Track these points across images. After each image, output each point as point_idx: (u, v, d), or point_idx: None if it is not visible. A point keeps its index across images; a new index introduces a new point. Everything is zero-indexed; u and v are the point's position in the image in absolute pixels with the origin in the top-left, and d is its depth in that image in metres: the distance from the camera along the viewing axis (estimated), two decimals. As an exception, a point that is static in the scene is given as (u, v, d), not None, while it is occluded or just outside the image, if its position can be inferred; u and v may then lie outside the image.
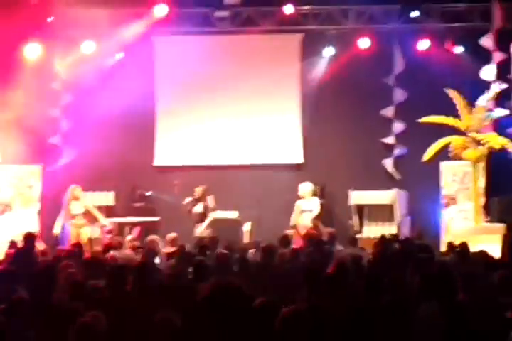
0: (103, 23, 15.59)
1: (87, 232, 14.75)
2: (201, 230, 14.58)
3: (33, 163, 16.03)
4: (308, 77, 16.65)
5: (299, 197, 15.13)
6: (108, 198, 16.23)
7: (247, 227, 14.99)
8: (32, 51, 15.96)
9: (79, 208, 14.84)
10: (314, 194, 15.25)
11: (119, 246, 11.83)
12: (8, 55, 15.82)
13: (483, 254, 9.43)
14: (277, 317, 5.27)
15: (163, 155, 17.00)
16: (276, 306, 5.58)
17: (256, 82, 16.71)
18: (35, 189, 15.96)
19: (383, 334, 5.78)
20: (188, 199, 14.97)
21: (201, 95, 16.78)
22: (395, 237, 12.67)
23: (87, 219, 14.86)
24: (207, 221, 14.93)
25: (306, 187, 15.15)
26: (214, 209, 15.06)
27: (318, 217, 14.89)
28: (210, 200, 14.98)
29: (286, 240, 11.69)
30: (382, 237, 12.14)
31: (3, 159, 15.75)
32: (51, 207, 15.58)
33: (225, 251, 10.20)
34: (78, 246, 11.36)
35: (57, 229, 14.63)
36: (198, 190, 14.94)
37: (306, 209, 15.02)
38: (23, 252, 10.91)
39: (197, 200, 14.91)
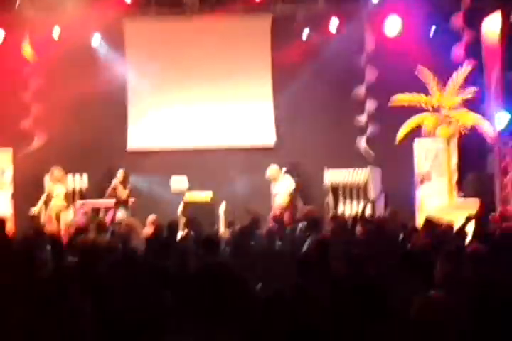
0: (71, 6, 15.49)
1: (67, 215, 14.73)
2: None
3: (4, 147, 15.92)
4: (279, 59, 16.61)
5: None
6: (81, 181, 16.12)
7: (222, 208, 14.96)
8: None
9: (60, 190, 14.82)
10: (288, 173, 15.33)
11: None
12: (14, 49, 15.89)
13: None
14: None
15: (136, 139, 16.92)
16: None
17: (227, 64, 16.70)
18: (7, 173, 15.85)
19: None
20: (115, 181, 15.16)
21: (172, 78, 16.78)
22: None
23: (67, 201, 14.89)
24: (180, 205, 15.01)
25: (271, 170, 15.18)
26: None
27: (294, 193, 14.99)
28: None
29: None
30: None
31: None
32: (23, 191, 15.54)
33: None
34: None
35: (36, 209, 14.65)
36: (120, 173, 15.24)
37: (276, 192, 15.12)
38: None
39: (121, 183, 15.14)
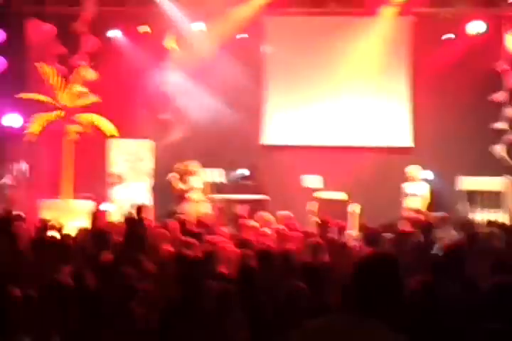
0: (215, 3, 15.86)
1: (205, 208, 14.68)
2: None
3: (145, 138, 16.45)
4: (418, 60, 16.57)
5: (406, 180, 15.21)
6: (217, 175, 16.36)
7: (356, 209, 15.03)
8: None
9: (197, 183, 15.09)
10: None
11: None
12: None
13: None
14: None
15: (271, 134, 17.22)
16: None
17: (366, 64, 16.69)
18: (147, 163, 16.38)
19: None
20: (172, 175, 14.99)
21: (311, 76, 16.91)
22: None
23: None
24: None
25: (414, 170, 15.22)
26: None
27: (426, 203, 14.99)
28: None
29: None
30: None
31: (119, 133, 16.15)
32: (161, 181, 16.02)
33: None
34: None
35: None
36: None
37: (410, 193, 15.13)
38: (135, 223, 11.21)
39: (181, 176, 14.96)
